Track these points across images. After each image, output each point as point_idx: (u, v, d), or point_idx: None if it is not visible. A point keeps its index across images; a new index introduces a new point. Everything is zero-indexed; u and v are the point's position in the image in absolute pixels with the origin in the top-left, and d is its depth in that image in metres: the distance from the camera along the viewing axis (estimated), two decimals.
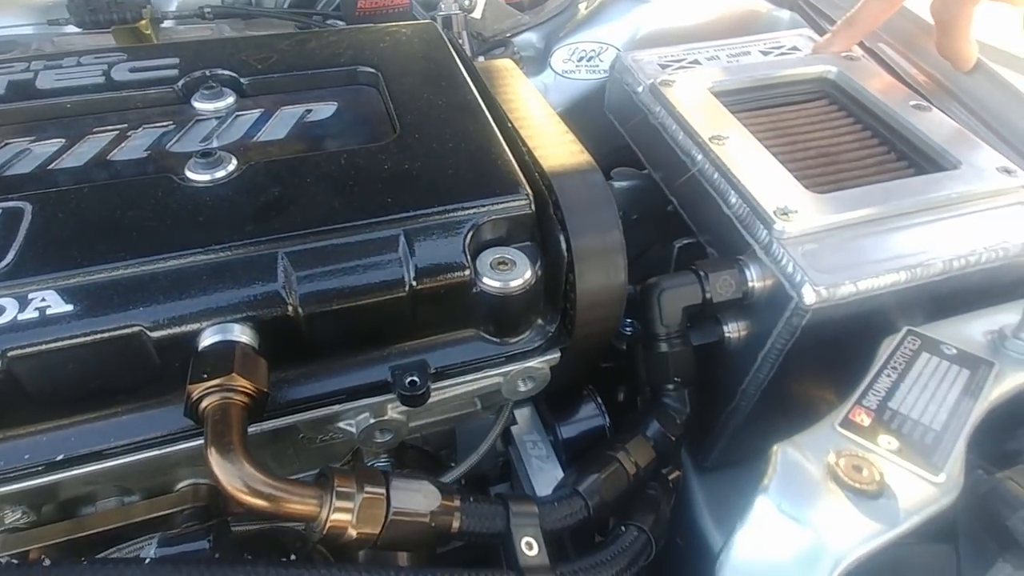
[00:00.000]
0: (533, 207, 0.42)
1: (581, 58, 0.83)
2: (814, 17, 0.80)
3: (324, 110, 0.49)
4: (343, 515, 0.31)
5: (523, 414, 0.58)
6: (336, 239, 0.38)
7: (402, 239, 0.39)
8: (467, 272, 0.40)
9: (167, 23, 0.88)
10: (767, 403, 0.55)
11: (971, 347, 0.47)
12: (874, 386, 0.43)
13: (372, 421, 0.43)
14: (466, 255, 0.40)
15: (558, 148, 0.48)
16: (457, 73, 0.51)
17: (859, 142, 0.61)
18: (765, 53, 0.73)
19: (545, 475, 0.54)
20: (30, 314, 0.33)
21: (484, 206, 0.41)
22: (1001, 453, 0.44)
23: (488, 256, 0.41)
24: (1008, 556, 0.37)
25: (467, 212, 0.40)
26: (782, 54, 0.72)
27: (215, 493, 0.43)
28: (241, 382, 0.32)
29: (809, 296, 0.46)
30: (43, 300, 0.34)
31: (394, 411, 0.43)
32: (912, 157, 0.59)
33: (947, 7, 0.62)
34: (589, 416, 0.56)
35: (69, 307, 0.34)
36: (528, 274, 0.41)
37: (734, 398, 0.56)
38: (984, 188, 0.54)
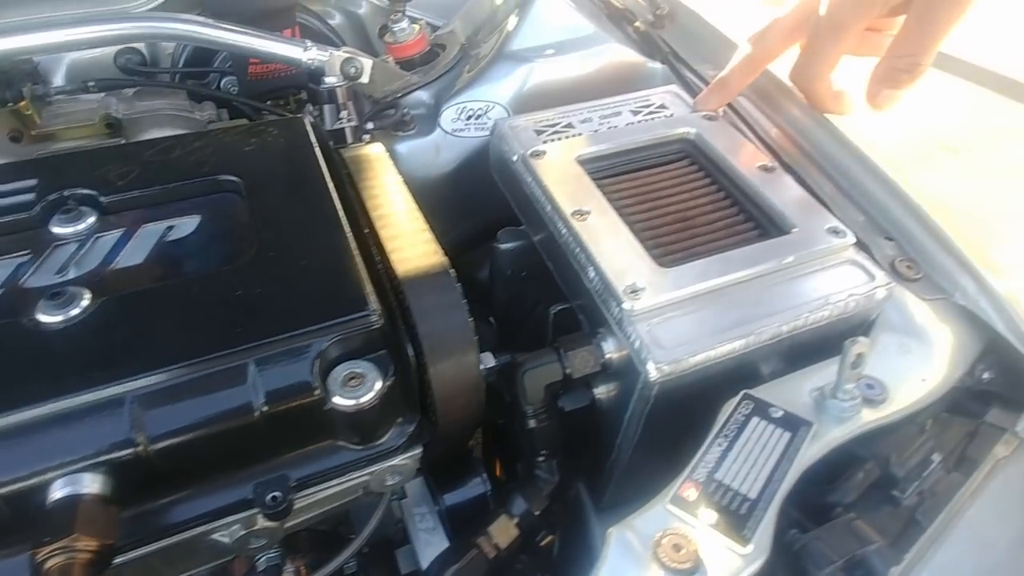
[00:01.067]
0: (382, 321, 0.45)
1: (469, 116, 0.86)
2: (681, 70, 0.84)
3: (186, 225, 0.50)
4: None
5: (412, 485, 0.61)
6: (185, 376, 0.40)
7: (251, 367, 0.41)
8: (317, 393, 0.42)
9: (59, 97, 0.86)
10: (645, 453, 0.60)
11: (797, 407, 0.52)
12: (705, 458, 0.48)
13: (243, 532, 0.45)
14: (315, 376, 0.42)
15: (414, 249, 0.50)
16: (318, 177, 0.53)
17: (713, 204, 0.66)
18: (635, 112, 0.77)
19: (432, 548, 0.57)
20: None
21: (333, 327, 0.43)
22: (821, 506, 0.49)
23: (339, 372, 0.43)
24: None
25: (315, 336, 0.42)
26: (651, 112, 0.77)
27: None
28: (83, 542, 0.34)
29: (653, 373, 0.51)
30: None
31: (264, 520, 0.45)
32: (758, 219, 0.64)
33: (804, 76, 0.67)
34: (472, 486, 0.59)
35: None
36: (379, 386, 0.43)
37: (613, 451, 0.61)
38: (814, 250, 0.59)
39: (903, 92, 0.61)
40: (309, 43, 0.76)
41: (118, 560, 0.38)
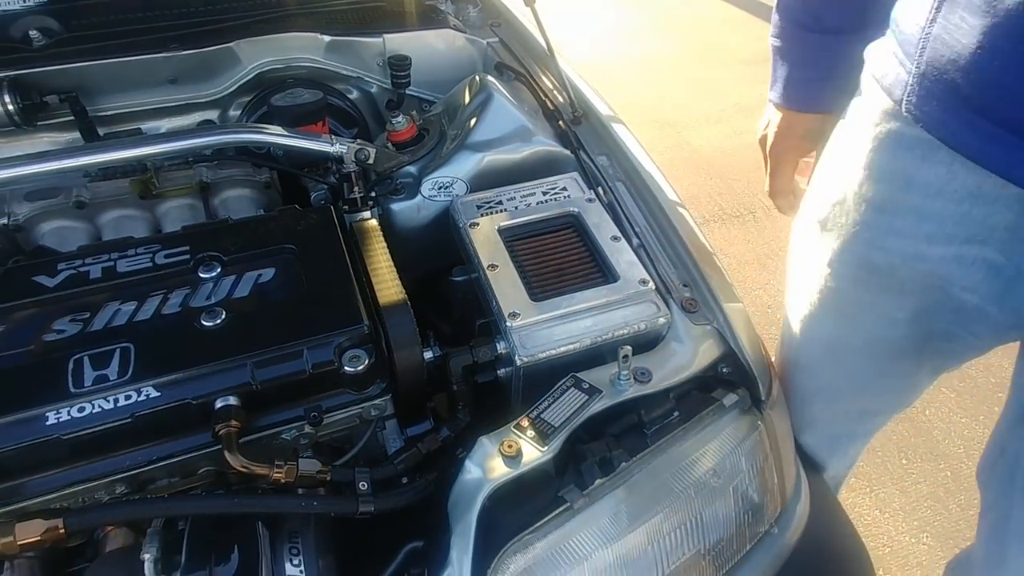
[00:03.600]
0: (369, 329, 0.92)
1: (441, 187, 1.32)
2: (583, 159, 1.30)
3: (268, 273, 0.98)
4: (279, 473, 0.82)
5: (389, 424, 1.08)
6: (275, 353, 0.88)
7: (305, 350, 0.89)
8: (335, 365, 0.90)
9: (169, 167, 1.35)
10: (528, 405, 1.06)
11: (599, 383, 0.97)
12: (538, 407, 0.94)
13: (296, 434, 0.93)
14: (336, 355, 0.90)
15: (389, 290, 0.98)
16: (338, 247, 1.01)
17: (580, 260, 1.12)
18: (545, 193, 1.23)
19: None
20: (142, 398, 0.83)
21: (344, 332, 0.91)
22: (601, 434, 0.95)
23: (348, 354, 0.91)
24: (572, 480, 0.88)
25: (335, 336, 0.90)
26: (555, 193, 1.23)
27: (219, 473, 0.92)
28: (235, 422, 0.81)
29: (518, 362, 0.97)
30: (148, 391, 0.83)
31: (308, 429, 0.93)
32: (604, 271, 1.10)
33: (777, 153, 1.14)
34: (424, 424, 1.07)
35: (158, 393, 0.83)
36: (367, 362, 0.91)
37: (513, 405, 1.07)
38: (627, 293, 1.05)
39: None
40: (334, 139, 1.24)
41: (244, 440, 0.86)
